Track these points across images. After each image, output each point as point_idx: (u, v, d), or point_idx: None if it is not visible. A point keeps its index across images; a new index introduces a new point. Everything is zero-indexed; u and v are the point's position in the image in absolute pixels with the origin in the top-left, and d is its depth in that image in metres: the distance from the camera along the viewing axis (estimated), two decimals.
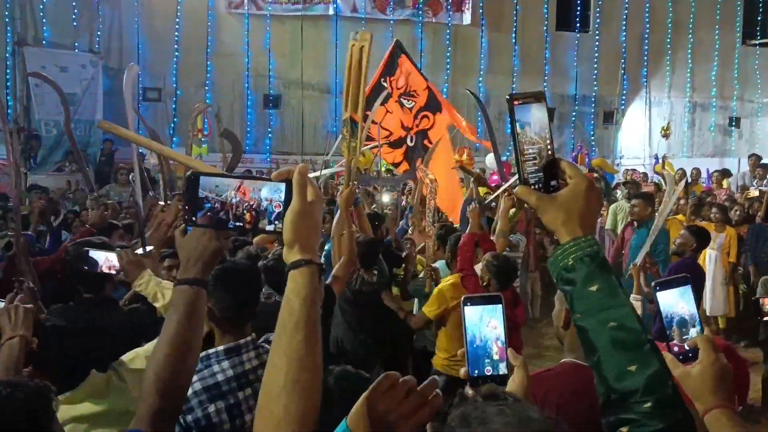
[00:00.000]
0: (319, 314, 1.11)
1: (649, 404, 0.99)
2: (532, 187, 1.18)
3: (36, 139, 12.64)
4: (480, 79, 17.46)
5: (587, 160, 15.45)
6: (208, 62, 15.60)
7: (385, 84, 7.60)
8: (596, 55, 18.17)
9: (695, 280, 5.69)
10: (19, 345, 2.00)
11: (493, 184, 11.86)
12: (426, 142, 7.78)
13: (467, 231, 4.81)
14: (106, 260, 3.08)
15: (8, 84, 13.48)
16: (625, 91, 18.44)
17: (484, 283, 4.18)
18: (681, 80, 18.72)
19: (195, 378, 2.10)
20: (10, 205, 9.11)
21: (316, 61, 16.32)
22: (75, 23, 14.21)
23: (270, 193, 1.15)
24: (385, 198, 10.03)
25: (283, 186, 1.15)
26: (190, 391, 2.07)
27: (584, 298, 1.07)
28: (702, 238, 5.76)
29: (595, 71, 18.22)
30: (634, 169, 13.94)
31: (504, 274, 4.15)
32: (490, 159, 14.16)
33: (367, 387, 1.72)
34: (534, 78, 17.39)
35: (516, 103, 1.17)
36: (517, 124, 1.17)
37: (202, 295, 1.36)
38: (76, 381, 2.33)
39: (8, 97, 13.46)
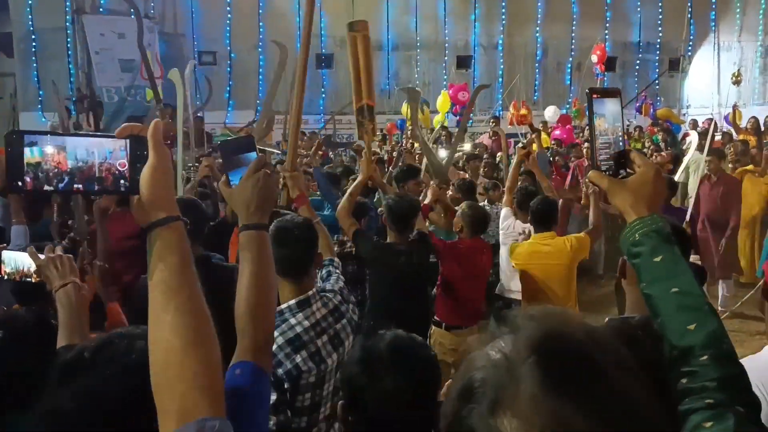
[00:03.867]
0: (194, 266, 1.11)
1: (705, 357, 1.10)
2: (604, 172, 1.34)
3: (100, 107, 12.97)
4: (537, 28, 16.88)
5: (652, 110, 14.84)
6: (261, 23, 15.58)
7: None
8: None
9: None
10: (74, 290, 2.01)
11: (553, 139, 11.55)
12: None
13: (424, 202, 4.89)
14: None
15: (69, 53, 13.82)
16: (691, 37, 17.52)
17: (458, 230, 4.49)
18: (752, 22, 17.62)
19: (276, 333, 2.19)
20: None
21: (367, 18, 16.06)
22: None
23: (111, 151, 1.11)
24: (442, 153, 9.92)
25: (121, 143, 1.12)
26: (275, 347, 2.15)
27: (650, 268, 1.21)
28: None
29: (660, 16, 17.35)
30: (710, 118, 13.27)
31: (476, 222, 4.46)
32: (549, 112, 13.80)
33: (422, 352, 1.69)
34: (594, 24, 16.71)
35: (595, 96, 1.31)
36: (594, 115, 1.31)
37: (266, 238, 1.44)
38: None
39: (70, 65, 13.83)
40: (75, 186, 1.10)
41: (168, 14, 15.00)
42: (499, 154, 10.00)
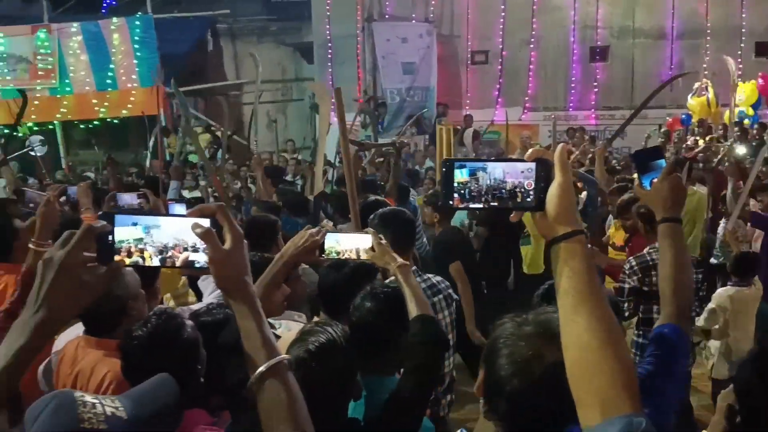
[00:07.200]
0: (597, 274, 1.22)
1: None
2: None
3: (383, 106, 14.16)
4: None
5: None
6: (533, 18, 15.51)
7: None
8: None
9: None
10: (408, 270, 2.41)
11: None
12: None
13: None
14: None
15: (358, 57, 15.27)
16: None
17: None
18: None
19: None
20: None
21: (648, 5, 15.05)
22: None
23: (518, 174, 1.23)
24: (741, 150, 8.97)
25: (530, 165, 1.23)
26: None
27: None
28: None
29: None
30: None
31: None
32: None
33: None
34: None
35: None
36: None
37: (681, 228, 1.78)
38: None
39: (358, 69, 15.28)
40: (491, 204, 1.27)
41: (445, 16, 15.70)
42: None
